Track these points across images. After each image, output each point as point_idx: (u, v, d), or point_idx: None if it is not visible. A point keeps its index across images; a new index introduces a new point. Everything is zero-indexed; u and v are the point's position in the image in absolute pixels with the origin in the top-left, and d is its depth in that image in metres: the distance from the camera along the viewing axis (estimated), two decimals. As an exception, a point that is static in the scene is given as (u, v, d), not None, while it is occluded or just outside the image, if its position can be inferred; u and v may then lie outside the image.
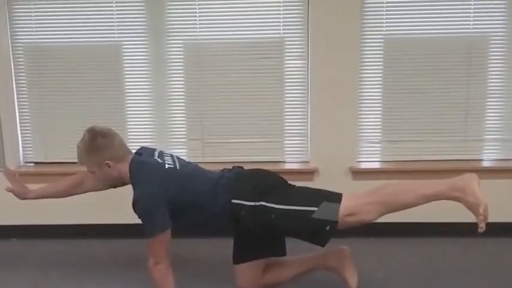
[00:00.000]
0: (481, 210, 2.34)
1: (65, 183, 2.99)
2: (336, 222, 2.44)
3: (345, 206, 2.45)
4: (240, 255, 2.78)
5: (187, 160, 2.92)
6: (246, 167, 2.85)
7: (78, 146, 2.62)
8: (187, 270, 3.12)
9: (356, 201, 2.48)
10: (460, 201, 2.42)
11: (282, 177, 2.73)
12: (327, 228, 2.45)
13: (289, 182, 2.73)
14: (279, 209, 2.48)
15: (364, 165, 3.84)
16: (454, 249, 3.55)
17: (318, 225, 2.46)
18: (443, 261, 3.35)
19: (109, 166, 2.59)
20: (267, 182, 2.63)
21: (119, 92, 3.85)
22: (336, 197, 2.50)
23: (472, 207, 2.39)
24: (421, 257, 3.43)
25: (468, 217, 3.78)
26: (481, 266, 3.26)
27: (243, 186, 2.58)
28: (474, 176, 2.45)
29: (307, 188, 2.65)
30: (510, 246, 3.58)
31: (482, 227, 2.36)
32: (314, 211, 2.45)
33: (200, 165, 2.87)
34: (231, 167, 2.83)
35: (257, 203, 2.50)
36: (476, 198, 2.36)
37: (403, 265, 3.30)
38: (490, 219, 3.78)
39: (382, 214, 2.48)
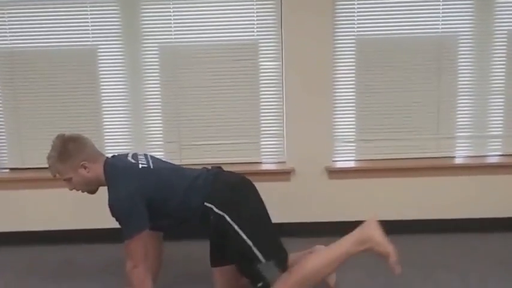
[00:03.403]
0: (391, 259, 2.47)
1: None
2: (268, 285, 2.49)
3: (280, 283, 2.50)
4: (215, 259, 2.79)
5: (163, 160, 2.92)
6: (224, 168, 2.85)
7: (49, 156, 2.58)
8: (167, 273, 3.12)
9: (284, 284, 2.51)
10: (370, 252, 2.53)
11: (260, 196, 2.70)
12: (259, 284, 2.51)
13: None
14: (237, 233, 2.48)
15: (339, 165, 3.88)
16: (428, 246, 3.61)
17: (256, 274, 2.50)
18: (418, 257, 3.40)
19: (85, 167, 2.58)
20: (242, 197, 2.60)
21: (94, 96, 3.84)
22: (283, 265, 2.54)
23: (383, 256, 2.51)
24: (396, 253, 3.49)
25: (442, 214, 3.89)
26: (454, 261, 3.33)
27: (218, 192, 2.57)
28: (374, 223, 2.56)
29: (274, 232, 2.64)
30: (482, 241, 3.65)
31: (397, 270, 2.48)
32: (261, 262, 2.48)
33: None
34: (209, 167, 2.81)
35: (221, 213, 2.50)
36: (384, 248, 2.49)
37: (379, 262, 3.35)
38: (463, 216, 3.90)
39: None
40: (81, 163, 2.57)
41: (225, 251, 2.62)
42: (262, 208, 2.67)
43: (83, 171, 2.59)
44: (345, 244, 2.55)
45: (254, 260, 2.48)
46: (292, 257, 2.86)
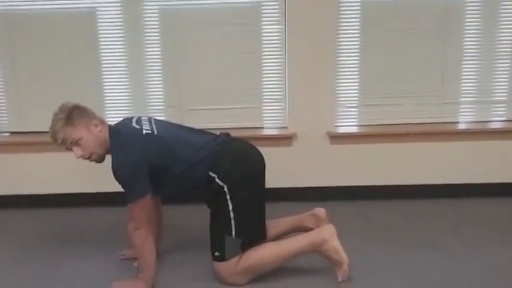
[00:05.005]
0: (345, 267, 2.55)
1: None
2: (224, 258, 2.58)
3: (233, 261, 2.58)
4: None
5: (171, 122, 2.91)
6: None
7: (56, 121, 2.52)
8: (168, 237, 3.13)
9: (234, 266, 2.58)
10: (321, 256, 2.60)
11: (264, 169, 2.72)
12: (216, 253, 2.60)
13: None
14: (226, 202, 2.55)
15: (341, 130, 3.86)
16: (430, 210, 3.62)
17: (220, 243, 2.58)
18: (417, 222, 3.43)
19: (97, 125, 2.57)
20: (245, 172, 2.61)
21: (94, 60, 3.79)
22: (247, 248, 2.59)
23: (335, 263, 2.57)
24: (396, 218, 3.50)
25: (444, 179, 3.88)
26: (455, 225, 3.34)
27: (223, 163, 2.58)
28: (332, 229, 2.60)
29: (259, 215, 2.69)
30: (485, 207, 3.66)
31: (343, 279, 2.58)
32: (231, 236, 2.56)
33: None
34: (218, 133, 2.78)
35: (222, 183, 2.55)
36: (340, 256, 2.55)
37: (379, 227, 3.37)
38: (465, 181, 3.89)
39: (251, 278, 2.63)
40: (93, 121, 2.58)
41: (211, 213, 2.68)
42: (261, 186, 2.71)
43: (95, 130, 2.57)
44: (300, 243, 2.62)
45: (227, 230, 2.56)
46: (293, 219, 2.92)
